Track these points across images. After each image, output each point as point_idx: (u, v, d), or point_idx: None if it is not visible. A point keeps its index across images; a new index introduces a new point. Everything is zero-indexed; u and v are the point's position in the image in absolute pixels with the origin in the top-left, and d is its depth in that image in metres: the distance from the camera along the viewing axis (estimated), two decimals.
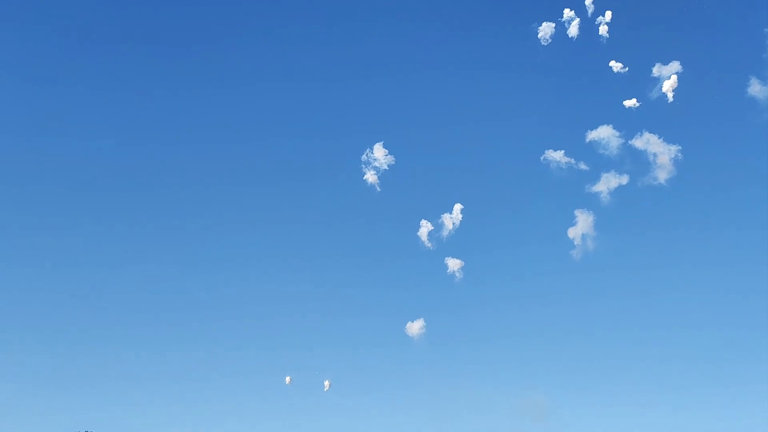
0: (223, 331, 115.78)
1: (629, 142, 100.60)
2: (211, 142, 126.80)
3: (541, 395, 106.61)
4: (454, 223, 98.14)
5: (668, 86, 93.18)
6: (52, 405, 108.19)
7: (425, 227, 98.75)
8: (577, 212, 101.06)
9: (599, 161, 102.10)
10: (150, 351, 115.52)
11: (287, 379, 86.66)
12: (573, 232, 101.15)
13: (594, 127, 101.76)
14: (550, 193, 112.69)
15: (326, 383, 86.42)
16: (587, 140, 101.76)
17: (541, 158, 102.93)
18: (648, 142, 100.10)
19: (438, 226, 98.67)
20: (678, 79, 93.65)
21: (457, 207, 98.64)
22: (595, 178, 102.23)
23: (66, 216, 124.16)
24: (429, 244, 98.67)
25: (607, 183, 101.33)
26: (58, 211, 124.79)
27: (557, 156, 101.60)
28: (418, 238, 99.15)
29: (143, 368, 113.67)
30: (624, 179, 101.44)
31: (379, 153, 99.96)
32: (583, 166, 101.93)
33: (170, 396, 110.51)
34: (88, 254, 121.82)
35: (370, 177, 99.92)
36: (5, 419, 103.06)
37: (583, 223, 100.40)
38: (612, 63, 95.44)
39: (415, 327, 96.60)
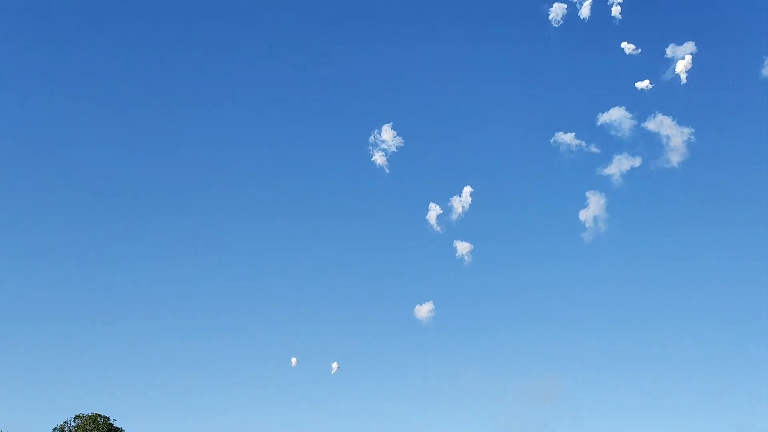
0: (233, 314, 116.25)
1: (642, 124, 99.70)
2: (221, 134, 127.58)
3: (551, 378, 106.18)
4: (463, 206, 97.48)
5: (682, 67, 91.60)
6: (64, 392, 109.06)
7: (434, 210, 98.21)
8: (588, 194, 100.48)
9: (611, 143, 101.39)
10: (160, 335, 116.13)
11: (293, 360, 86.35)
12: (584, 215, 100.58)
13: (606, 109, 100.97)
14: (561, 176, 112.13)
15: (334, 366, 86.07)
16: (599, 122, 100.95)
17: (552, 140, 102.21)
18: (661, 124, 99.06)
19: (447, 209, 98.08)
20: (692, 59, 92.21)
21: (467, 190, 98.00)
22: (607, 161, 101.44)
23: (82, 216, 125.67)
24: (438, 228, 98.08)
25: (620, 165, 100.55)
26: (73, 211, 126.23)
27: (568, 138, 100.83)
28: (426, 221, 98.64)
29: (154, 353, 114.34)
30: (636, 161, 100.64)
31: (388, 135, 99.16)
32: (594, 149, 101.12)
33: (178, 380, 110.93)
34: (107, 248, 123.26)
35: (379, 158, 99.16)
36: (28, 403, 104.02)
37: (594, 206, 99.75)
38: (624, 44, 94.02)
39: (423, 310, 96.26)
